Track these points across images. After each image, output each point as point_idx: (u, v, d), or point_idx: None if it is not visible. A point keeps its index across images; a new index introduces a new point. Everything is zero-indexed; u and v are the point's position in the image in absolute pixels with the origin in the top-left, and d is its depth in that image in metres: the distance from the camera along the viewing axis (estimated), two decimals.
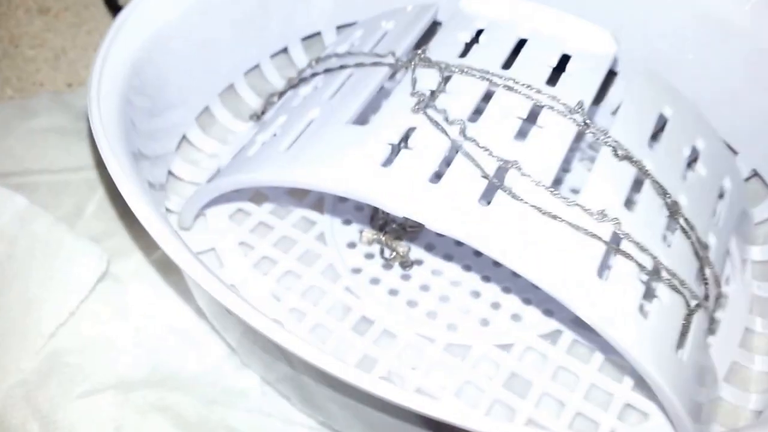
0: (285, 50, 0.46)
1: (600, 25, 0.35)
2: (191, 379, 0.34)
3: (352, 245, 0.39)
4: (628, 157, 0.31)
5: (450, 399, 0.33)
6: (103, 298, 0.36)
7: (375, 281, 0.37)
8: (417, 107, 0.32)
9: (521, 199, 0.29)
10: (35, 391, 0.33)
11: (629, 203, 0.30)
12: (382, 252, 0.38)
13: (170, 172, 0.40)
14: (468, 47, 0.35)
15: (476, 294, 0.37)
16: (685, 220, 0.31)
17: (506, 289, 0.37)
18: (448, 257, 0.38)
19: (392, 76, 0.36)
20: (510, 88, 0.32)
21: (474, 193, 0.29)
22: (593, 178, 0.30)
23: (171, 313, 0.36)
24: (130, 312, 0.36)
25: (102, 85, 0.32)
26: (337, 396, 0.29)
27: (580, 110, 0.32)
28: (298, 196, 0.40)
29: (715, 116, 0.37)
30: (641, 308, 0.28)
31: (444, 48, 0.35)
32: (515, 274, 0.28)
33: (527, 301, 0.36)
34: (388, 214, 0.37)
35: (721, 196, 0.36)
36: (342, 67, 0.36)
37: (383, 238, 0.38)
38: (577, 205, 0.29)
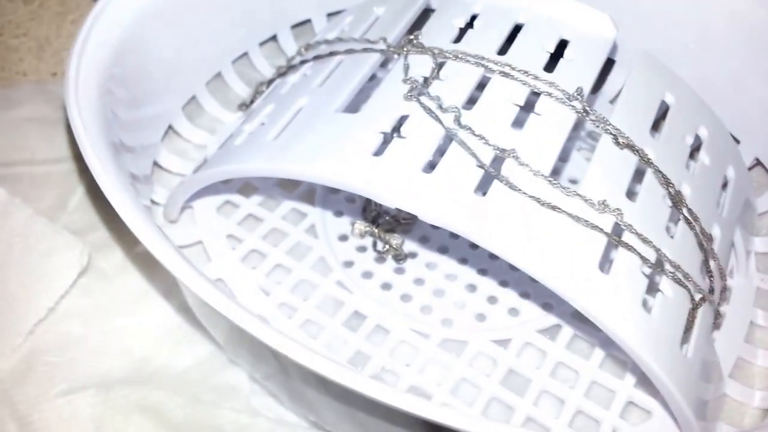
0: (274, 38, 0.45)
1: (599, 10, 0.34)
2: (176, 377, 0.33)
3: (343, 238, 0.38)
4: (629, 146, 0.30)
5: (445, 397, 0.32)
6: (85, 293, 0.35)
7: (367, 275, 0.36)
8: (410, 94, 0.31)
9: (519, 190, 0.28)
10: (12, 390, 0.32)
11: (631, 193, 0.29)
12: (374, 245, 0.37)
13: (157, 164, 0.39)
14: (462, 32, 0.34)
15: (472, 288, 0.36)
16: (689, 210, 0.30)
17: (503, 283, 0.36)
18: (443, 250, 0.37)
19: (385, 64, 0.35)
20: (506, 75, 0.31)
21: (469, 183, 0.28)
22: (593, 167, 0.29)
23: (156, 308, 0.35)
24: (112, 307, 0.35)
25: (80, 75, 0.31)
26: (327, 395, 0.28)
27: (579, 97, 0.31)
28: (288, 187, 0.39)
29: (717, 104, 0.36)
30: (644, 302, 0.28)
31: (437, 33, 0.34)
32: (513, 267, 0.27)
33: (525, 295, 0.35)
34: (380, 205, 0.36)
35: (724, 186, 0.35)
36: (332, 53, 0.35)
37: (376, 231, 0.37)
38: (578, 195, 0.28)
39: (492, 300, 0.35)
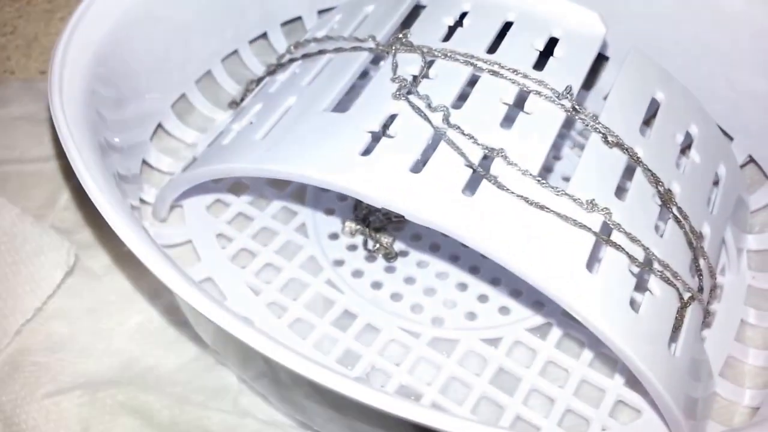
0: (264, 35, 0.44)
1: (588, 7, 0.34)
2: (164, 377, 0.33)
3: (334, 236, 0.37)
4: (618, 144, 0.30)
5: (435, 396, 0.32)
6: (72, 293, 0.35)
7: (358, 274, 0.36)
8: (398, 93, 0.30)
9: (507, 189, 0.28)
10: None
11: (620, 192, 0.29)
12: (365, 243, 0.37)
13: (147, 163, 0.39)
14: (452, 30, 0.34)
15: (463, 286, 0.36)
16: (679, 209, 0.30)
17: (495, 281, 0.36)
18: (435, 248, 0.37)
19: (377, 61, 0.35)
20: (495, 73, 0.31)
21: (458, 182, 0.28)
22: (582, 166, 0.29)
23: (143, 308, 0.35)
24: (100, 308, 0.35)
25: (65, 74, 0.31)
26: (316, 396, 0.28)
27: (568, 95, 0.30)
28: (278, 185, 0.39)
29: (710, 101, 0.36)
30: (632, 302, 0.27)
31: (426, 31, 0.34)
32: None
33: (516, 293, 0.35)
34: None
35: (716, 183, 0.35)
36: (321, 52, 0.35)
37: (367, 229, 0.37)
38: (566, 194, 0.28)
39: (482, 298, 0.35)
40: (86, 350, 0.33)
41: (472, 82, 0.32)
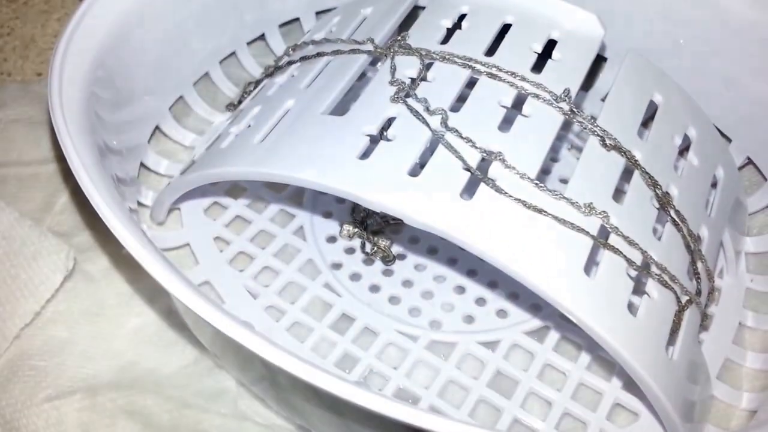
0: (262, 37, 0.44)
1: (587, 9, 0.34)
2: (163, 381, 0.33)
3: (332, 239, 0.37)
4: (616, 147, 0.30)
5: (433, 400, 0.32)
6: (71, 297, 0.35)
7: (356, 277, 0.36)
8: (396, 96, 0.30)
9: (505, 193, 0.28)
10: None
11: (618, 194, 0.29)
12: (363, 246, 0.37)
13: (144, 165, 0.39)
14: (450, 33, 0.34)
15: (461, 289, 0.36)
16: (676, 212, 0.30)
17: (492, 284, 0.36)
18: (432, 251, 0.37)
19: (375, 63, 0.35)
20: (493, 76, 0.31)
21: (455, 186, 0.28)
22: (580, 169, 0.29)
23: (142, 311, 0.35)
24: (99, 311, 0.34)
25: (64, 76, 0.31)
26: (314, 399, 0.28)
27: (566, 98, 0.30)
28: (276, 188, 0.39)
29: (708, 103, 0.36)
30: (630, 305, 0.27)
31: (425, 34, 0.34)
32: None
33: (514, 296, 0.35)
34: None
35: (714, 185, 0.35)
36: (319, 54, 0.35)
37: (364, 232, 0.37)
38: (564, 198, 0.28)
39: (480, 302, 0.35)
40: (85, 354, 0.33)
41: (471, 84, 0.32)
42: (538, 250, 0.27)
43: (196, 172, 0.33)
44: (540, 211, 0.27)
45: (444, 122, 0.29)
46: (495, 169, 0.28)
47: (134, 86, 0.36)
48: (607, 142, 0.30)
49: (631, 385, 0.32)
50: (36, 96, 0.43)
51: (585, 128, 0.30)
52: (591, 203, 0.28)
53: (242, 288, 0.35)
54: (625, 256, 0.28)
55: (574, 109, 0.30)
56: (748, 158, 0.38)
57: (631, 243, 0.28)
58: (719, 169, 0.35)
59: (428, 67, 0.32)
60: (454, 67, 0.32)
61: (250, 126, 0.34)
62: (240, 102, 0.40)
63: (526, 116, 0.30)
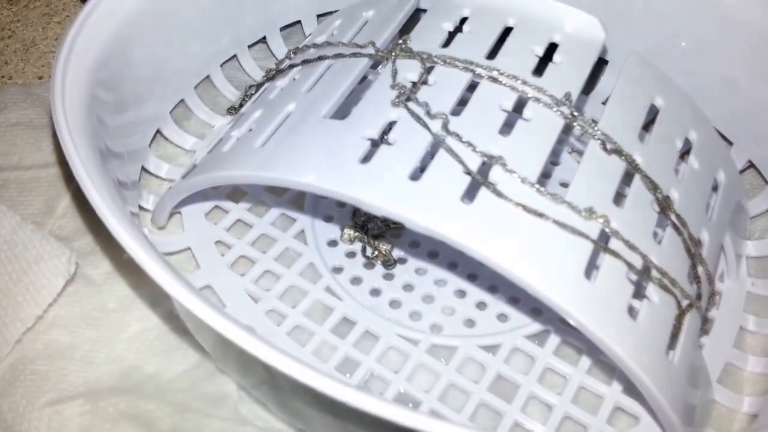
0: (263, 40, 0.44)
1: (588, 12, 0.34)
2: (164, 385, 0.33)
3: (333, 243, 0.37)
4: (617, 151, 0.30)
5: (433, 403, 0.32)
6: (73, 301, 0.35)
7: (357, 281, 0.36)
8: (397, 100, 0.30)
9: (506, 197, 0.28)
10: None
11: (619, 198, 0.29)
12: (364, 250, 0.37)
13: (145, 169, 0.39)
14: (451, 36, 0.34)
15: (462, 293, 0.36)
16: (677, 215, 0.30)
17: (493, 288, 0.36)
18: (433, 255, 0.37)
19: (376, 66, 0.35)
20: (494, 80, 0.31)
21: (456, 190, 0.28)
22: (580, 173, 0.29)
23: (144, 316, 0.35)
24: (100, 315, 0.34)
25: (66, 80, 0.31)
26: (316, 404, 0.28)
27: (567, 102, 0.30)
28: (277, 192, 0.39)
29: (710, 106, 0.36)
30: (630, 309, 0.27)
31: (426, 37, 0.34)
32: None
33: (514, 300, 0.35)
34: None
35: (715, 189, 0.35)
36: (320, 58, 0.35)
37: (365, 236, 0.37)
38: (564, 202, 0.28)
39: (481, 306, 0.35)
40: (87, 358, 0.33)
41: (472, 87, 0.32)
42: (539, 254, 0.27)
43: (198, 176, 0.33)
44: (540, 215, 0.28)
45: (445, 126, 0.29)
46: (496, 173, 0.28)
47: (136, 89, 0.36)
48: (608, 145, 0.30)
49: (631, 389, 0.32)
50: (37, 99, 0.43)
51: (585, 132, 0.30)
52: (591, 207, 0.28)
53: (243, 292, 0.35)
54: (625, 260, 0.28)
55: (575, 113, 0.30)
56: (750, 161, 0.38)
57: (632, 247, 0.28)
58: (720, 173, 0.35)
59: (429, 70, 0.32)
60: (455, 70, 0.32)
61: (251, 130, 0.34)
62: (241, 105, 0.40)
63: (526, 120, 0.30)
